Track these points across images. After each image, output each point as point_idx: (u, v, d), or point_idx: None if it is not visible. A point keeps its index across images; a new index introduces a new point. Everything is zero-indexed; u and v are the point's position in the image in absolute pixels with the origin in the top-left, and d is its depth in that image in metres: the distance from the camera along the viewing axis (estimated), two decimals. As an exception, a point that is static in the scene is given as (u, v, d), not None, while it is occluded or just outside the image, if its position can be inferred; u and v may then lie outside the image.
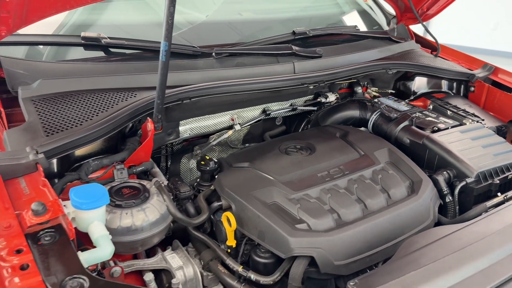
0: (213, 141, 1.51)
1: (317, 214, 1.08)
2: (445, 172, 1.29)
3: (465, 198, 1.27)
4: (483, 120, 1.62)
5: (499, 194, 1.25)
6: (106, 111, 1.17)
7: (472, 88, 1.85)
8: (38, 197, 0.90)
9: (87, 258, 0.84)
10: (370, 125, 1.56)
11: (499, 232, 1.01)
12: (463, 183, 1.25)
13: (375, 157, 1.30)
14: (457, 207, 1.26)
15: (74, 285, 0.74)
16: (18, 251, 0.78)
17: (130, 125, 1.27)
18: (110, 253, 0.88)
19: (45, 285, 0.72)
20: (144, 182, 1.12)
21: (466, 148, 1.36)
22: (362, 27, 2.09)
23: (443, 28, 8.13)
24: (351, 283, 0.83)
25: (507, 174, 1.32)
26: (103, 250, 0.87)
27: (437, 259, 0.90)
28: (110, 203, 1.02)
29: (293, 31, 1.68)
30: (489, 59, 1.93)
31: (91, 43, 1.36)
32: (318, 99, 1.66)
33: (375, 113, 1.56)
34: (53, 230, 0.84)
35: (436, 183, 1.26)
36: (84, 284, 0.74)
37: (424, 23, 2.02)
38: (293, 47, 1.58)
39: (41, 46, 1.45)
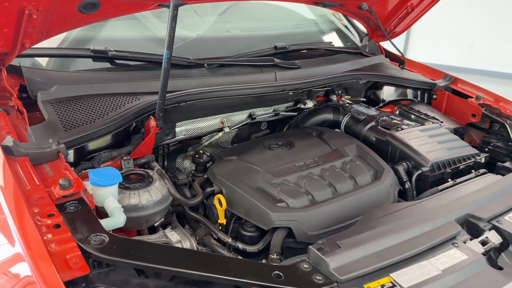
0: (205, 142, 1.70)
1: (294, 195, 1.28)
2: (404, 163, 1.51)
3: (421, 185, 1.48)
4: (442, 122, 1.86)
5: (449, 180, 1.47)
6: (115, 111, 1.37)
7: (434, 96, 2.09)
8: (62, 178, 1.09)
9: (105, 224, 1.03)
10: (342, 126, 1.79)
11: (444, 206, 1.23)
12: (419, 171, 1.47)
13: (345, 151, 1.52)
14: (415, 192, 1.47)
15: (97, 240, 0.92)
16: (51, 215, 0.96)
17: (134, 124, 1.47)
18: (123, 221, 1.07)
19: (74, 239, 0.91)
20: (148, 171, 1.32)
21: (423, 144, 1.58)
22: (339, 44, 2.34)
23: (423, 48, 8.52)
24: (319, 241, 1.03)
25: (458, 165, 1.54)
26: (117, 218, 1.06)
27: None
28: (120, 185, 1.21)
29: (275, 46, 1.91)
30: (465, 76, 2.16)
31: (99, 55, 1.57)
32: (298, 105, 1.87)
33: (347, 116, 1.79)
34: (76, 201, 1.03)
35: (396, 172, 1.48)
36: (105, 240, 0.93)
37: (392, 40, 2.27)
38: (275, 59, 1.80)
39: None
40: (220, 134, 1.70)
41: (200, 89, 1.54)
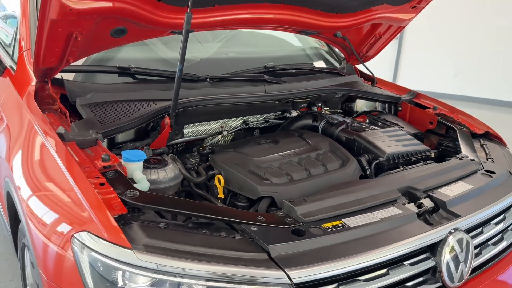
0: (207, 142, 2.07)
1: (276, 175, 1.64)
2: (366, 155, 1.88)
3: (379, 172, 1.85)
4: (403, 127, 2.24)
5: (400, 166, 1.85)
6: (137, 112, 1.75)
7: (400, 108, 2.48)
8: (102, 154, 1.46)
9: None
10: (319, 129, 2.17)
11: (390, 180, 1.60)
12: (377, 161, 1.84)
13: (320, 146, 1.89)
14: (374, 177, 1.84)
15: (131, 194, 1.28)
16: (97, 177, 1.33)
17: (151, 124, 1.85)
18: (147, 187, 1.43)
19: (115, 192, 1.27)
20: (163, 157, 1.69)
21: (382, 141, 1.95)
22: (320, 66, 2.76)
23: (412, 77, 9.03)
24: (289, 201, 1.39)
25: (410, 157, 1.92)
26: (143, 184, 1.42)
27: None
28: (143, 165, 1.58)
29: (265, 65, 2.32)
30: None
31: (124, 71, 1.97)
32: (285, 114, 2.27)
33: (323, 121, 2.18)
34: (114, 171, 1.40)
35: (360, 162, 1.84)
36: (136, 194, 1.29)
37: (365, 63, 2.69)
38: (265, 76, 2.21)
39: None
40: (220, 136, 2.07)
41: (203, 97, 1.93)
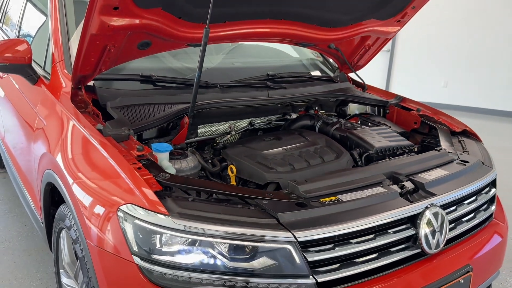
0: (218, 141, 2.36)
1: (281, 165, 1.92)
2: (357, 149, 2.17)
3: (369, 163, 2.14)
4: (390, 127, 2.54)
5: (386, 157, 2.14)
6: (160, 113, 2.04)
7: (388, 111, 2.78)
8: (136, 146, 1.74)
9: (163, 173, 1.68)
10: (316, 128, 2.46)
11: (377, 167, 1.89)
12: (367, 153, 2.13)
13: (317, 142, 2.18)
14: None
15: (164, 176, 1.56)
16: (134, 163, 1.61)
17: (171, 124, 2.14)
18: (174, 172, 1.71)
19: (151, 175, 1.55)
20: (183, 150, 1.98)
21: (372, 137, 2.24)
22: (317, 74, 3.06)
23: (404, 88, 9.41)
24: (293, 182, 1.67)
25: (396, 151, 2.21)
26: (170, 170, 1.70)
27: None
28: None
29: (267, 74, 2.62)
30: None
31: (146, 79, 2.26)
32: (285, 117, 2.56)
33: (319, 121, 2.47)
34: (147, 159, 1.68)
35: (352, 155, 2.13)
36: (167, 176, 1.56)
37: (356, 71, 3.00)
38: (267, 82, 2.51)
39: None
40: (228, 136, 2.35)
41: (214, 101, 2.22)
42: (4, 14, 4.08)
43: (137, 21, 1.83)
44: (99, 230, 1.52)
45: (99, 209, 1.53)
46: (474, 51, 8.54)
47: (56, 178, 1.86)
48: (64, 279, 2.14)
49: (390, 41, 9.64)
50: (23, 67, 2.37)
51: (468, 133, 2.52)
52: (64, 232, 2.02)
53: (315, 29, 2.47)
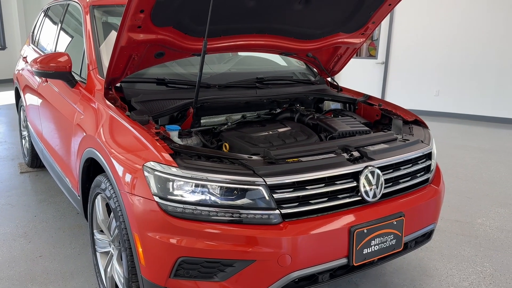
0: (216, 131, 3.00)
1: (263, 142, 2.55)
2: (324, 133, 2.80)
3: (333, 142, 2.76)
4: (355, 118, 3.17)
5: (346, 138, 2.76)
6: (171, 106, 2.69)
7: (356, 107, 3.41)
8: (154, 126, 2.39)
9: (174, 144, 2.32)
10: (295, 119, 3.08)
11: (335, 141, 2.51)
12: (330, 135, 2.75)
13: (293, 127, 2.81)
14: (329, 145, 2.75)
15: (175, 145, 2.20)
16: (153, 137, 2.25)
17: (180, 114, 2.78)
18: (182, 145, 2.36)
19: (166, 144, 2.18)
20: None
21: (337, 124, 2.86)
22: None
23: (398, 97, 10.01)
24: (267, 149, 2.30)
25: (354, 134, 2.82)
26: (179, 143, 2.35)
27: (305, 147, 2.40)
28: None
29: (257, 77, 3.27)
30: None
31: (160, 81, 2.92)
32: (271, 112, 3.20)
33: (297, 113, 3.11)
34: (162, 135, 2.32)
35: (320, 137, 2.76)
36: (177, 145, 2.20)
37: (333, 76, 3.64)
38: (256, 83, 3.16)
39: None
40: (225, 126, 2.99)
41: (213, 96, 2.87)
42: (38, 35, 4.84)
43: (154, 36, 2.50)
44: (131, 181, 2.15)
45: (131, 167, 2.17)
46: (463, 63, 9.18)
47: (96, 153, 2.51)
48: (98, 236, 2.77)
49: (384, 54, 10.26)
50: (65, 74, 3.04)
51: (418, 122, 3.13)
52: (99, 197, 2.65)
53: (293, 41, 3.12)
